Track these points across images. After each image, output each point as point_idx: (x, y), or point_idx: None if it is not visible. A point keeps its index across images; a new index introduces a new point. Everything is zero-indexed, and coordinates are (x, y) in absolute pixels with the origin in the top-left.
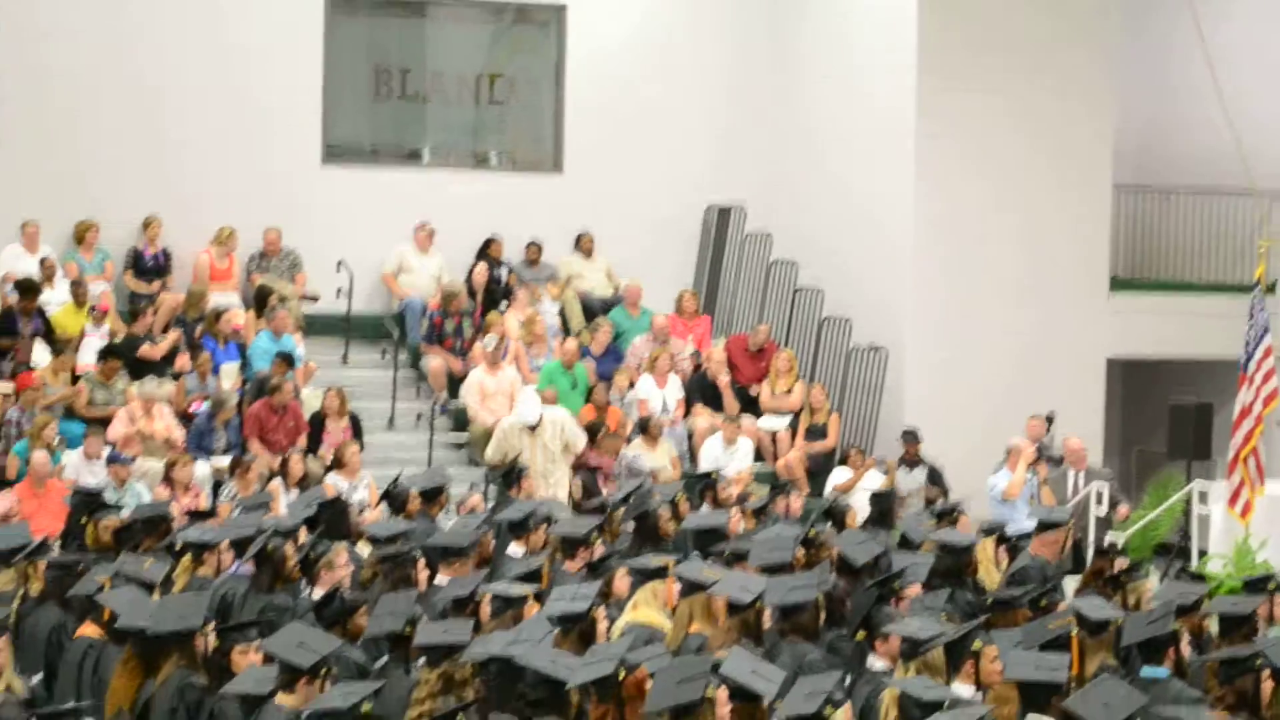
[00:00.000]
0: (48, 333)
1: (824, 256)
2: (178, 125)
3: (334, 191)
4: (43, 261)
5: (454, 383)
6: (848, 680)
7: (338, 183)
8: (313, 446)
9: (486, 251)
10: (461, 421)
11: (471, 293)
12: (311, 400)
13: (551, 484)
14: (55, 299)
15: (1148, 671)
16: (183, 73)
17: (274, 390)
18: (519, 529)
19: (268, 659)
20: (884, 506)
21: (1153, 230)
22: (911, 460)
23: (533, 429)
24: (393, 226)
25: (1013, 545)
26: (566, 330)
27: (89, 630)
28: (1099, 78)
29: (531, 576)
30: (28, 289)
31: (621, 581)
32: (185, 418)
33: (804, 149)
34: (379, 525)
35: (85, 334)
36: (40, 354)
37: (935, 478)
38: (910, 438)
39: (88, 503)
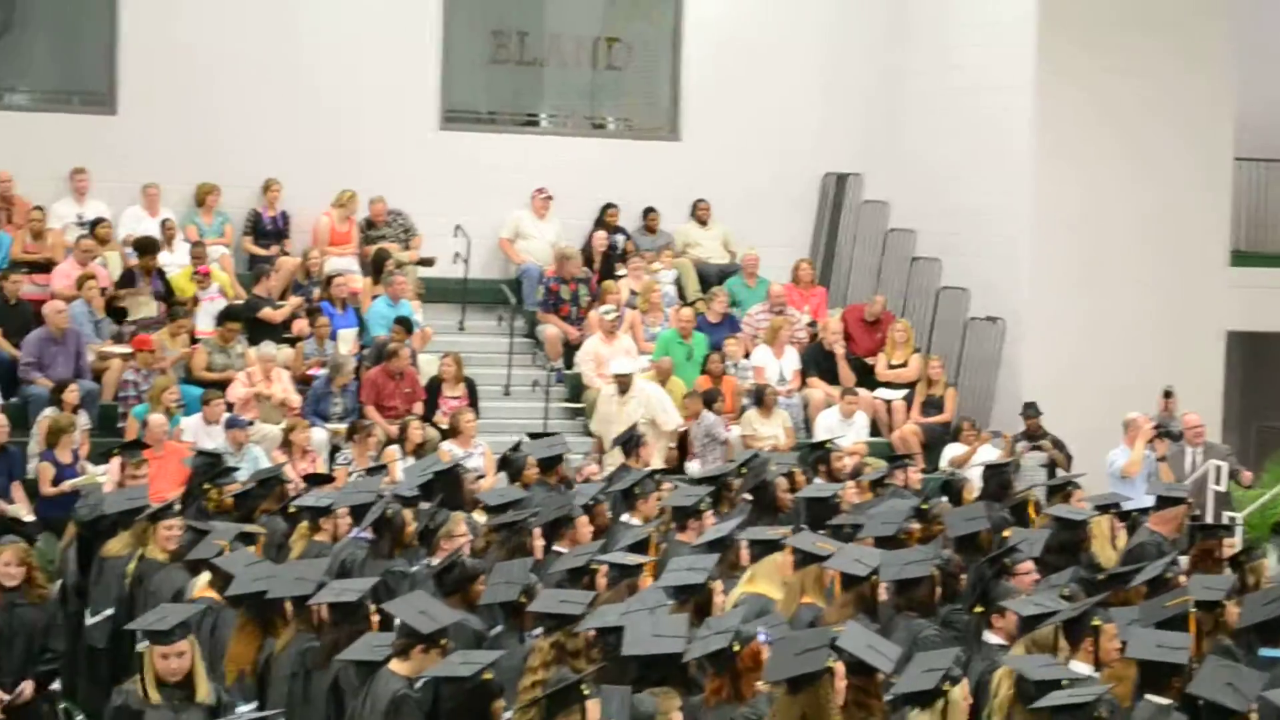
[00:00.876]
0: (167, 295)
1: (941, 225)
2: (298, 89)
3: (451, 156)
4: (163, 224)
5: (570, 350)
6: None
7: (455, 147)
8: (428, 413)
9: (604, 218)
10: (576, 389)
11: (589, 260)
12: (428, 366)
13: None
14: (175, 261)
15: (1266, 653)
16: (303, 37)
17: (391, 356)
18: (633, 498)
19: (380, 624)
20: (1000, 480)
21: (1275, 203)
22: (1033, 434)
23: (622, 393)
24: (510, 192)
25: (1130, 521)
26: (683, 298)
27: (207, 593)
28: (1222, 49)
29: (641, 546)
30: (147, 248)
31: (745, 553)
32: (303, 382)
33: (922, 116)
34: (494, 493)
35: (199, 299)
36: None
37: (1059, 446)
38: (1031, 410)
39: (209, 466)
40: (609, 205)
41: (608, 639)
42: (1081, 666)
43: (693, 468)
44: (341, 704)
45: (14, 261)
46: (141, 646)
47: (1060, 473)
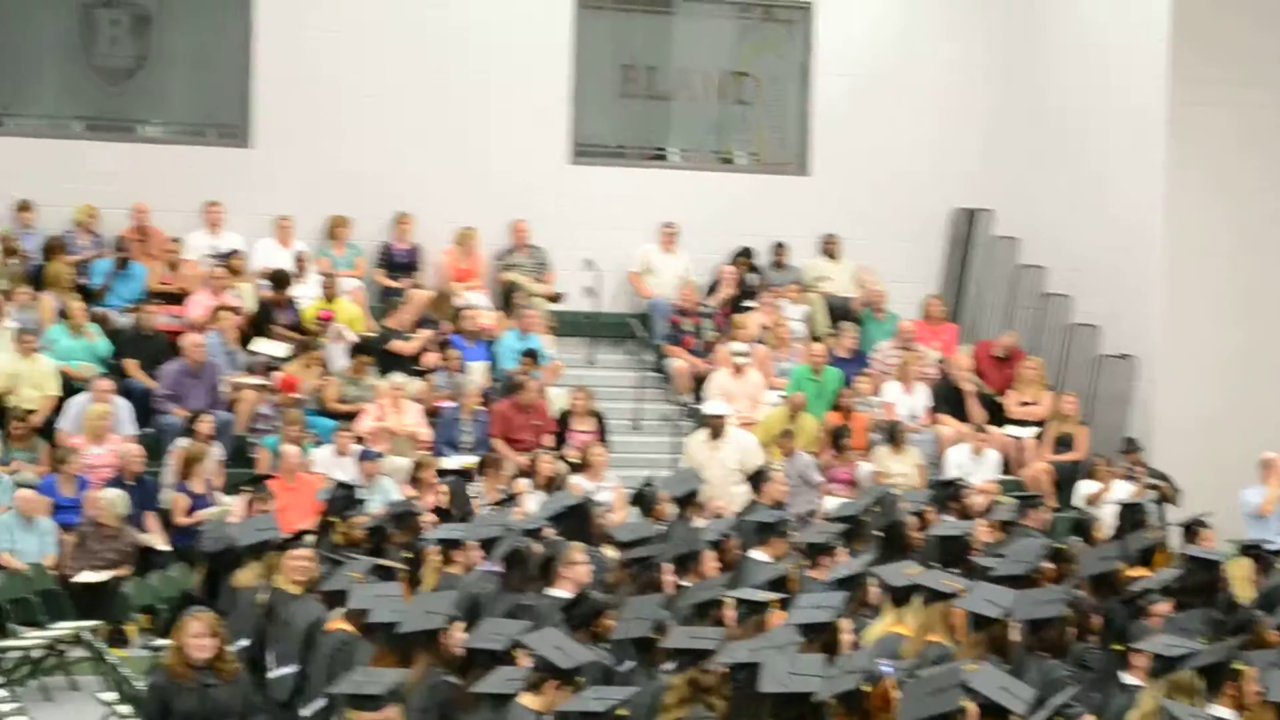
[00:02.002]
0: (300, 326)
1: (1073, 261)
2: (430, 123)
3: (581, 189)
4: (296, 256)
5: (699, 383)
6: (1097, 695)
7: (585, 181)
8: (558, 446)
9: (737, 254)
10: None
11: (715, 292)
12: (558, 399)
13: (725, 501)
14: (307, 294)
15: None
16: (435, 71)
17: (519, 388)
18: (764, 534)
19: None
20: (1134, 518)
21: None
22: (1134, 469)
23: (714, 437)
24: (639, 225)
25: (1267, 563)
26: (811, 333)
27: (341, 624)
28: None
29: (777, 583)
30: (280, 281)
31: (874, 591)
32: (433, 415)
33: (1054, 151)
34: (625, 528)
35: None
36: (276, 348)
37: (1163, 478)
38: (1131, 446)
39: (344, 498)
40: (740, 242)
41: (740, 676)
42: (1224, 711)
43: (824, 504)
44: None
45: (149, 292)
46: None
47: (1169, 507)
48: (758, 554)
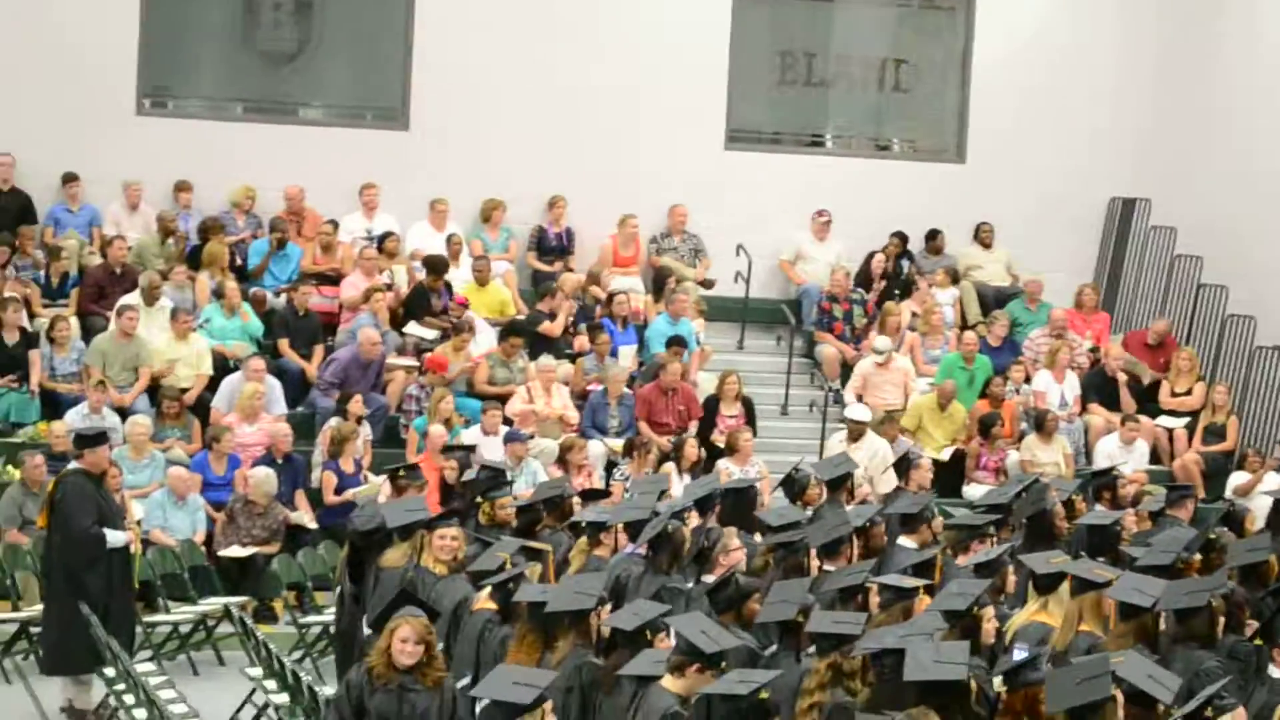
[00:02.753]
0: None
1: (1229, 252)
2: (585, 107)
3: (735, 176)
4: (449, 239)
5: (847, 370)
6: (1245, 688)
7: (740, 167)
8: (705, 431)
9: (889, 241)
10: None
11: (867, 281)
12: (707, 384)
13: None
14: (460, 276)
15: None
16: (591, 57)
17: (663, 372)
18: (910, 521)
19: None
20: None
21: None
22: None
23: (853, 440)
24: (792, 212)
25: None
26: (961, 321)
27: (488, 604)
28: None
29: (923, 569)
30: (436, 267)
31: (1012, 579)
32: (581, 398)
33: (1212, 141)
34: (774, 512)
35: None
36: (427, 331)
37: None
38: None
39: (491, 480)
40: (895, 229)
41: (885, 662)
42: None
43: (971, 491)
44: None
45: (304, 274)
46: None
47: None
48: (904, 540)
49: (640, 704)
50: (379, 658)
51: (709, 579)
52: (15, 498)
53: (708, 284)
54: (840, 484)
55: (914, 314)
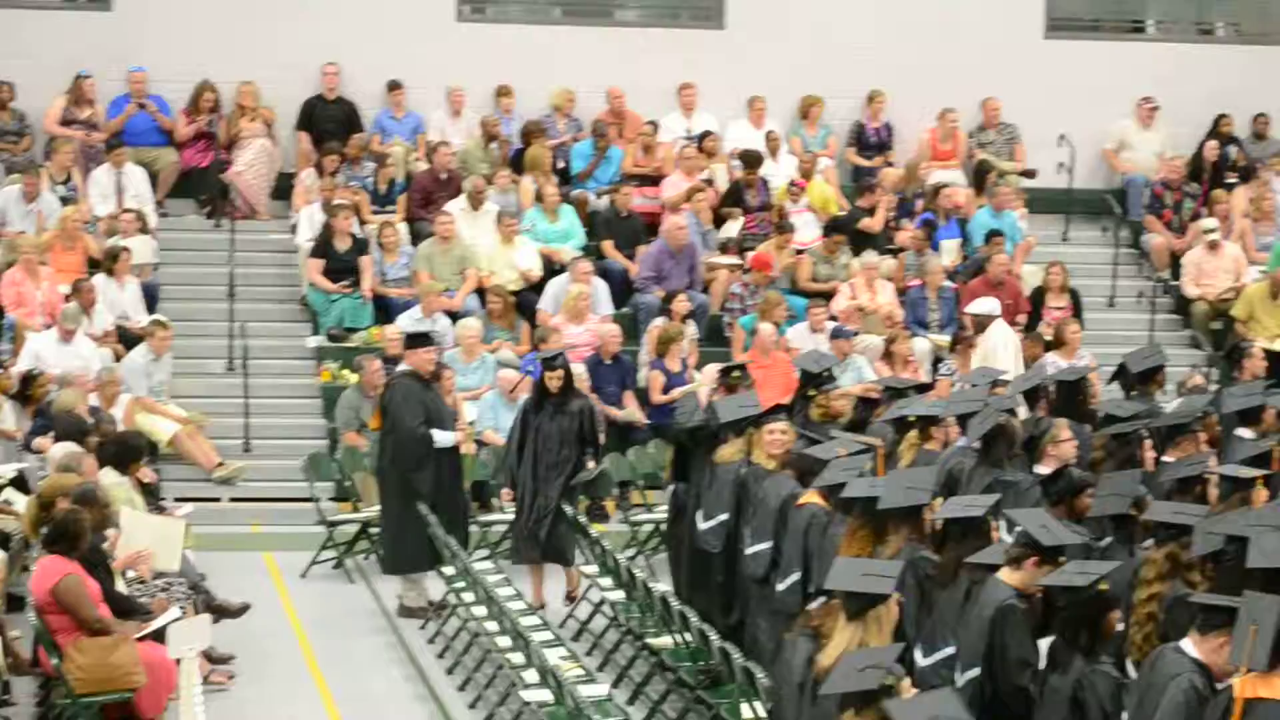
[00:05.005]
0: (770, 206)
1: None
2: (905, 1)
3: (1055, 65)
4: (767, 136)
5: (1176, 261)
6: None
7: (1059, 56)
8: (1032, 324)
9: (1217, 128)
10: (1182, 301)
11: (1197, 171)
12: (1031, 277)
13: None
14: (780, 173)
15: None
16: None
17: (988, 265)
18: (1247, 414)
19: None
20: None
21: None
22: None
23: (978, 331)
24: (1114, 100)
25: None
26: None
27: (815, 498)
28: None
29: (1260, 460)
30: (751, 161)
31: None
32: (902, 293)
33: None
34: (1112, 404)
35: (788, 211)
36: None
37: None
38: None
39: (820, 374)
40: (1221, 115)
41: (1228, 550)
42: None
43: None
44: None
45: (625, 175)
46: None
47: None
48: (1243, 431)
49: (977, 595)
50: None
51: (1041, 470)
52: (352, 401)
53: (1029, 174)
54: (1152, 375)
55: (1247, 200)
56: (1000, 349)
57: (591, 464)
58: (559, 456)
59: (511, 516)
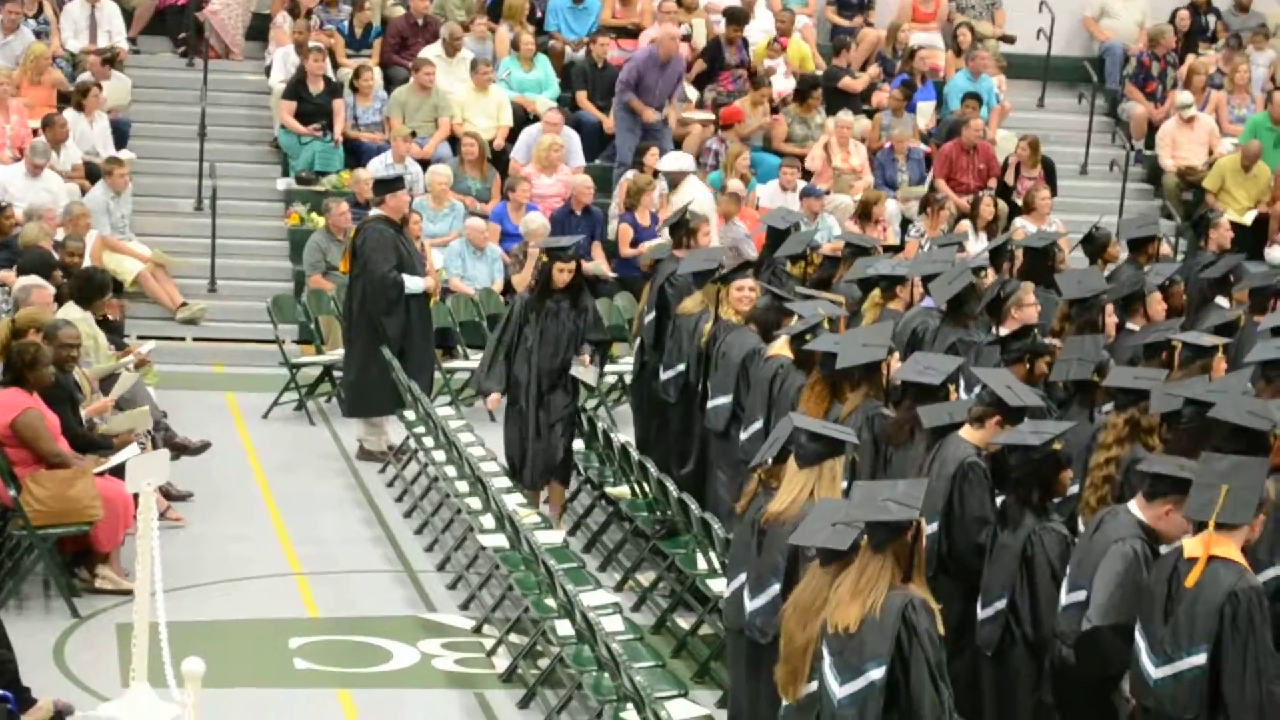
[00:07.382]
0: (749, 64)
1: None
2: None
3: None
4: None
5: (1152, 130)
6: None
7: None
8: (1003, 190)
9: None
10: (1155, 171)
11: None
12: (1005, 143)
13: None
14: (759, 28)
15: None
16: None
17: (964, 129)
18: (1218, 284)
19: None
20: None
21: None
22: None
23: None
24: None
25: None
26: (1275, 83)
27: (783, 350)
28: None
29: (1227, 329)
30: (735, 18)
31: None
32: (875, 154)
33: None
34: (1070, 272)
35: (770, 67)
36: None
37: None
38: None
39: (784, 233)
40: None
41: (1188, 411)
42: None
43: (1274, 255)
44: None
45: (603, 26)
46: None
47: None
48: (1222, 300)
49: (938, 453)
50: None
51: (1003, 332)
52: (319, 244)
53: (1008, 39)
54: (1143, 244)
55: (1219, 71)
56: None
57: (587, 361)
58: (565, 362)
59: (477, 364)
